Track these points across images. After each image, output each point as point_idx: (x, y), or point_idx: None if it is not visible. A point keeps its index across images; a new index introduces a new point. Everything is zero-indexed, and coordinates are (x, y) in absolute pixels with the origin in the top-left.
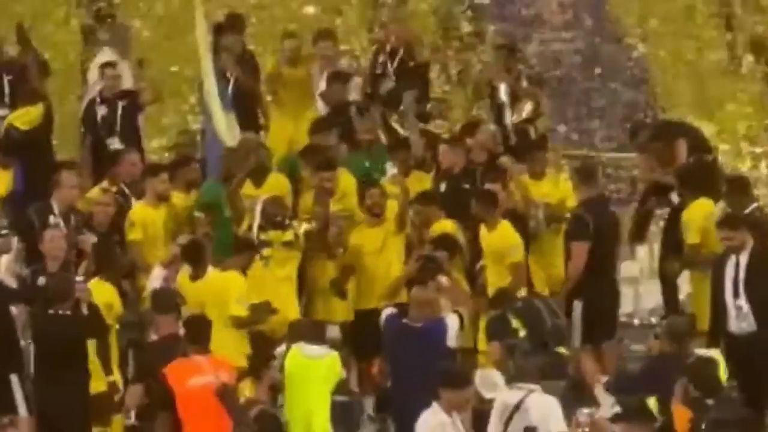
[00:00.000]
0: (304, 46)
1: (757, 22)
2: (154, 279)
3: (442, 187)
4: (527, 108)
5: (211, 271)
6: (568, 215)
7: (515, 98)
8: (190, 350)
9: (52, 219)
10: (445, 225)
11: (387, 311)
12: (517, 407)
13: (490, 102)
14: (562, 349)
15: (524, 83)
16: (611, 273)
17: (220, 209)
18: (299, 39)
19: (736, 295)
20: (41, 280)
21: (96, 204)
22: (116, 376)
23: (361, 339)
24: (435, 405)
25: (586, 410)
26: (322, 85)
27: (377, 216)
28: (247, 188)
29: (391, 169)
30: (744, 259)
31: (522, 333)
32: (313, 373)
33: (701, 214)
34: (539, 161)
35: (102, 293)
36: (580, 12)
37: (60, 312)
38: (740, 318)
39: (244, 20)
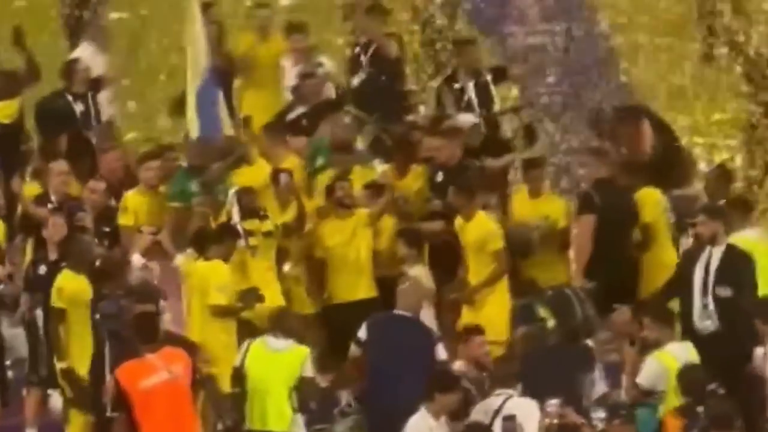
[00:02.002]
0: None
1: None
2: (133, 267)
3: (439, 177)
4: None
5: (195, 261)
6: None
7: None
8: (140, 349)
9: (49, 206)
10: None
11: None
12: (498, 411)
13: (453, 97)
14: (590, 342)
15: (489, 77)
16: (624, 255)
17: (187, 200)
18: (270, 9)
19: (704, 292)
20: (42, 269)
21: (87, 191)
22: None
23: (334, 333)
24: (422, 409)
25: (554, 401)
26: (292, 77)
27: (347, 207)
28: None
29: (380, 166)
30: (717, 255)
31: (551, 323)
32: (274, 366)
33: (652, 198)
34: (536, 179)
35: (70, 283)
36: (556, 4)
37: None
38: (704, 316)
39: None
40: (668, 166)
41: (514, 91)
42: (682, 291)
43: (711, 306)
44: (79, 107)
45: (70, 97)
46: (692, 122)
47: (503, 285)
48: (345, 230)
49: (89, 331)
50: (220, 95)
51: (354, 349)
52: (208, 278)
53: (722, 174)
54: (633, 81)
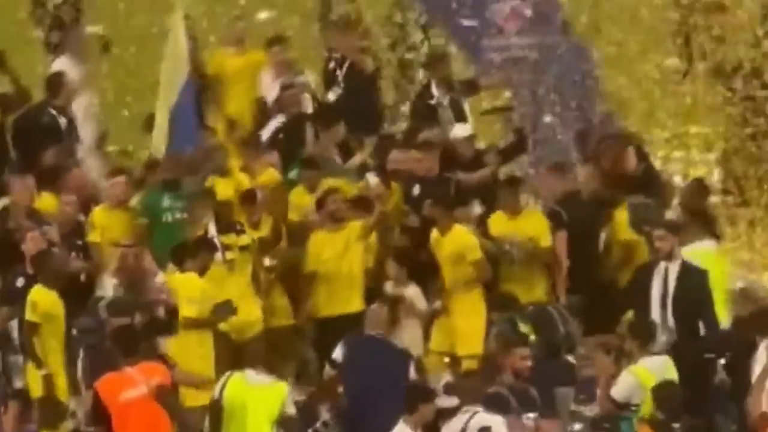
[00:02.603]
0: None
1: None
2: (106, 288)
3: (416, 190)
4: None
5: (170, 274)
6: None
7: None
8: (120, 362)
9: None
10: None
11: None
12: (465, 429)
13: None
14: (570, 357)
15: (460, 91)
16: (595, 266)
17: (158, 215)
18: (246, 22)
19: (663, 306)
20: (20, 281)
21: (61, 203)
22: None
23: (326, 346)
24: (401, 423)
25: (531, 414)
26: (272, 90)
27: (339, 221)
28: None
29: (372, 178)
30: (674, 270)
31: (532, 338)
32: (254, 400)
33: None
34: (510, 200)
35: (43, 298)
36: (535, 18)
37: None
38: (663, 330)
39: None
40: (648, 190)
41: (507, 93)
42: (639, 305)
43: (670, 322)
44: (62, 122)
45: (54, 111)
46: (669, 136)
47: (477, 297)
48: (337, 244)
49: (61, 346)
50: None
51: (329, 370)
52: (181, 291)
53: (698, 188)
54: (611, 95)
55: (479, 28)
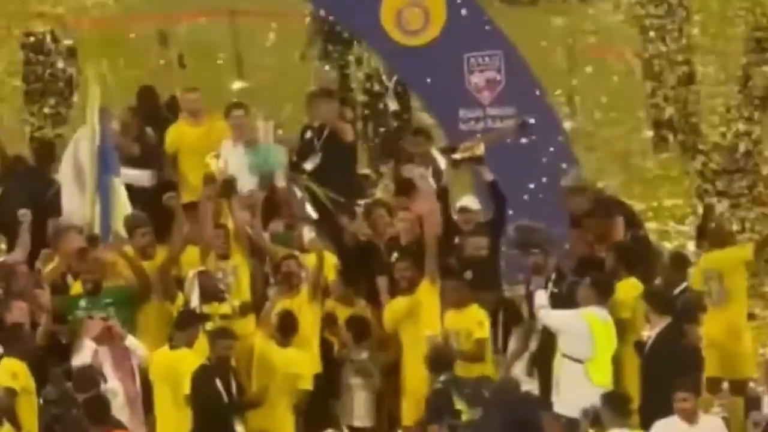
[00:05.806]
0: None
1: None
2: (84, 353)
3: (394, 255)
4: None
5: (160, 348)
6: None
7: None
8: (91, 430)
9: None
10: None
11: None
12: None
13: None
14: None
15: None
16: None
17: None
18: (199, 93)
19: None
20: None
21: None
22: None
23: None
24: None
25: None
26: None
27: (294, 286)
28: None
29: (309, 234)
30: (650, 340)
31: (466, 416)
32: None
33: (634, 292)
34: (451, 294)
35: (8, 371)
36: (509, 88)
37: None
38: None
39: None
40: (635, 258)
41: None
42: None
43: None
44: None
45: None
46: (645, 208)
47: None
48: (293, 308)
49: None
50: (117, 186)
51: None
52: (177, 367)
53: (677, 260)
54: (586, 166)
55: (456, 98)
